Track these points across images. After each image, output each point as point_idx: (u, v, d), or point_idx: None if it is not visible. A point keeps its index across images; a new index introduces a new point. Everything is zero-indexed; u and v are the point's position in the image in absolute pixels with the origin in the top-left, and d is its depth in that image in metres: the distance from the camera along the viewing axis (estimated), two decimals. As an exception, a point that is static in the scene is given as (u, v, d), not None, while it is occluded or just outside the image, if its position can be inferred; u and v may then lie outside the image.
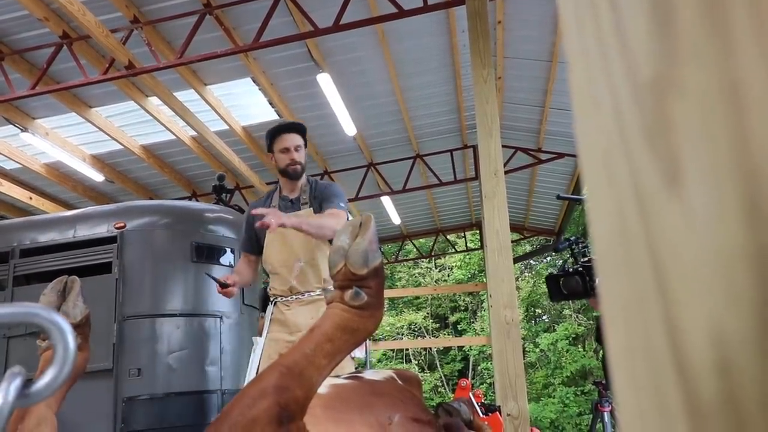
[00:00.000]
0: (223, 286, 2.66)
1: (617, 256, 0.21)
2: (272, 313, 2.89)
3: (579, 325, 17.38)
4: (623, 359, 0.21)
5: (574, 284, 3.27)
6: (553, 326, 18.09)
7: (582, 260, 3.27)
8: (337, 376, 1.69)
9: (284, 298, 2.83)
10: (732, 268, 0.16)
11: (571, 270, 3.29)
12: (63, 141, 7.77)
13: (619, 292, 0.21)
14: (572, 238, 3.41)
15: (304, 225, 2.55)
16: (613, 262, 0.21)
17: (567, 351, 16.81)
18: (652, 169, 0.19)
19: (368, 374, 1.82)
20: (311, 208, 2.91)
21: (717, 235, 0.17)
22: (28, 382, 0.55)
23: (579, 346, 17.33)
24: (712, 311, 0.17)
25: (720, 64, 0.17)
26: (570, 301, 3.63)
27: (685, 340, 0.18)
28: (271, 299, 2.96)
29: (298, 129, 3.06)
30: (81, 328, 1.21)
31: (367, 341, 3.06)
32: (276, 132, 3.02)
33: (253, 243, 3.02)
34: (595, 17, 0.21)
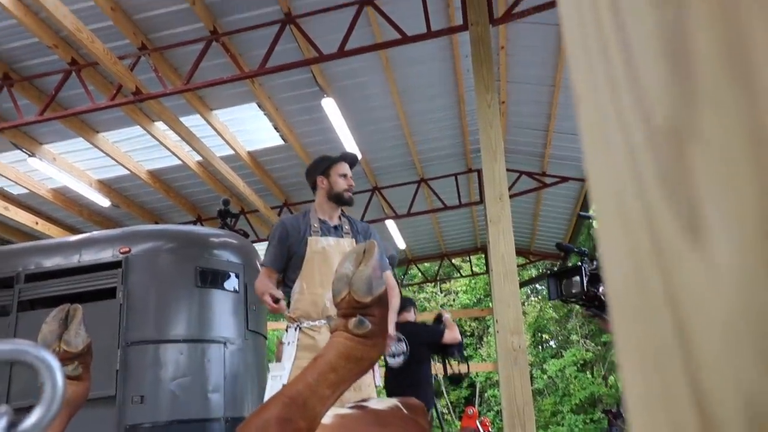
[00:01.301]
0: (276, 301, 2.64)
1: (633, 302, 0.19)
2: (298, 339, 2.77)
3: (587, 350, 17.17)
4: (640, 406, 0.20)
5: (575, 286, 3.24)
6: (561, 352, 17.88)
7: (589, 267, 3.25)
8: (342, 406, 1.66)
9: (311, 323, 2.77)
10: (761, 326, 0.15)
11: (572, 267, 3.27)
12: (70, 166, 7.82)
13: (635, 338, 0.20)
14: (584, 250, 3.39)
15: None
16: (628, 308, 0.20)
17: (575, 377, 16.57)
18: (669, 217, 0.18)
19: (372, 403, 1.79)
20: (354, 240, 2.94)
21: (744, 291, 0.16)
22: (16, 421, 0.54)
23: (587, 372, 17.10)
24: (741, 372, 0.16)
25: (742, 109, 0.16)
26: (569, 303, 3.59)
27: (712, 398, 0.17)
28: (293, 324, 2.84)
29: (354, 161, 3.21)
30: (82, 357, 1.20)
31: (377, 368, 3.00)
32: (339, 158, 3.12)
33: (283, 260, 2.93)
34: (604, 55, 0.20)
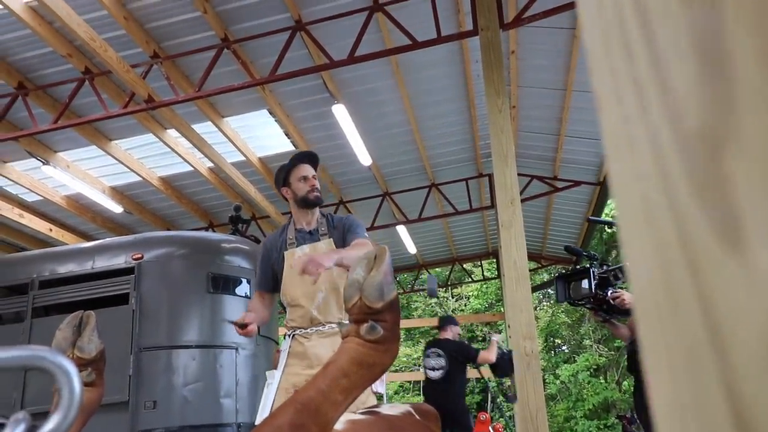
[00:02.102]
0: (242, 327, 2.63)
1: (661, 308, 0.19)
2: (290, 346, 2.82)
3: (600, 355, 17.02)
4: (669, 414, 0.19)
5: (583, 289, 3.22)
6: (574, 357, 17.73)
7: (598, 271, 3.23)
8: (354, 411, 1.66)
9: (303, 330, 2.78)
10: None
11: (580, 270, 3.25)
12: (83, 173, 7.90)
13: (663, 343, 0.19)
14: (594, 254, 3.37)
15: (345, 260, 2.51)
16: (655, 312, 0.19)
17: (588, 383, 16.42)
18: (703, 224, 0.17)
19: (385, 409, 1.78)
20: (331, 239, 2.89)
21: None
22: (33, 428, 0.54)
23: (601, 377, 16.94)
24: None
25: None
26: (577, 306, 3.57)
27: (752, 405, 0.16)
28: (288, 332, 2.91)
29: (313, 159, 3.07)
30: (96, 363, 1.20)
31: (384, 374, 2.98)
32: (294, 162, 3.03)
33: (269, 280, 2.95)
34: (628, 56, 0.20)
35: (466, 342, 6.15)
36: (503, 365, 5.31)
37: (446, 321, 5.91)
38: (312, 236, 2.94)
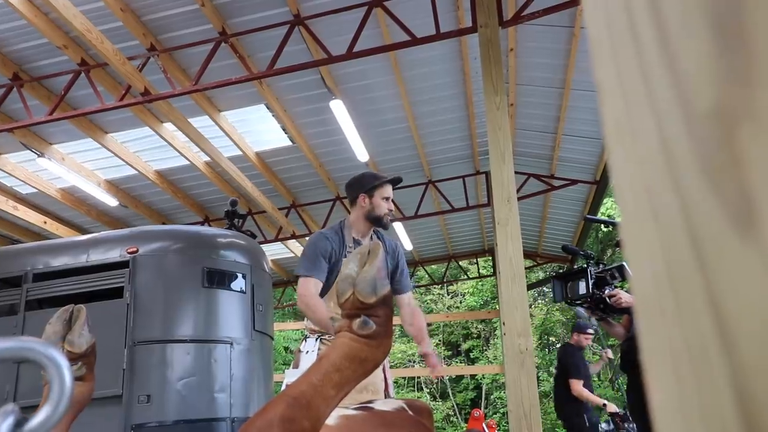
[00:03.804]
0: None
1: (666, 304, 0.18)
2: (319, 349, 2.78)
3: (594, 353, 17.07)
4: (673, 419, 0.18)
5: (580, 289, 3.23)
6: (568, 355, 17.78)
7: (595, 270, 3.23)
8: (346, 407, 1.65)
9: (332, 337, 2.77)
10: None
11: (578, 270, 3.25)
12: (79, 166, 7.86)
13: (666, 341, 0.18)
14: (591, 253, 3.37)
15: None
16: (658, 308, 0.18)
17: (582, 380, 16.47)
18: (713, 211, 0.16)
19: (378, 404, 1.77)
20: None
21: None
22: (23, 420, 0.53)
23: (594, 375, 17.00)
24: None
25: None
26: (574, 305, 3.59)
27: (764, 418, 0.15)
28: (314, 335, 2.86)
29: (398, 184, 3.08)
30: (86, 357, 1.19)
31: (388, 373, 2.97)
32: (387, 180, 2.98)
33: (325, 272, 2.84)
34: (632, 32, 0.18)
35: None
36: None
37: (582, 327, 5.82)
38: None
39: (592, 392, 5.58)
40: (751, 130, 0.15)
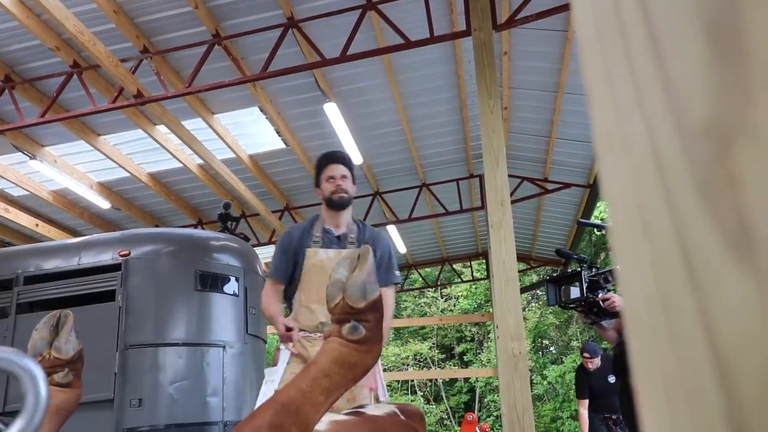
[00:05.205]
0: (288, 329, 2.57)
1: (658, 331, 0.17)
2: (293, 347, 2.77)
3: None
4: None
5: (573, 292, 3.22)
6: (561, 358, 17.82)
7: (588, 274, 3.23)
8: (338, 412, 1.64)
9: (308, 334, 2.71)
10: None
11: (571, 273, 3.25)
12: (71, 168, 7.81)
13: (659, 373, 0.17)
14: (584, 257, 3.37)
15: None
16: (652, 338, 0.17)
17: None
18: (708, 233, 0.15)
19: (369, 409, 1.76)
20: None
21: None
22: (-1, 431, 0.51)
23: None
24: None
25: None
26: (567, 309, 3.59)
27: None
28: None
29: (344, 160, 2.98)
30: (73, 364, 1.17)
31: (381, 376, 2.91)
32: (323, 161, 2.94)
33: (288, 271, 2.82)
34: (623, 40, 0.17)
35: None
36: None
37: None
38: (339, 242, 2.86)
39: (614, 408, 5.61)
40: (748, 149, 0.14)
